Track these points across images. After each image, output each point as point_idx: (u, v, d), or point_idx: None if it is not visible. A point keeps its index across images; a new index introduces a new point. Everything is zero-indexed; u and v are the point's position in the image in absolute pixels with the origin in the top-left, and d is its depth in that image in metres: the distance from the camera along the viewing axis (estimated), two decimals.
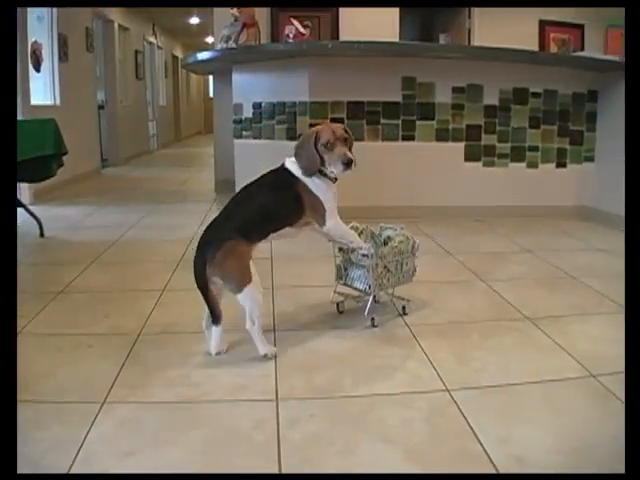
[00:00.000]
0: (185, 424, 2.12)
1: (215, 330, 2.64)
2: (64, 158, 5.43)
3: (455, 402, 2.28)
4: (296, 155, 2.86)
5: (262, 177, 2.87)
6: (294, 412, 2.21)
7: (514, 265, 4.17)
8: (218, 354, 2.70)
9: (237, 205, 2.77)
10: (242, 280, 2.59)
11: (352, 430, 2.08)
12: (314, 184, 2.83)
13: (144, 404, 2.27)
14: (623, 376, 2.47)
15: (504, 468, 1.85)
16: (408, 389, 2.39)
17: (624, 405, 2.25)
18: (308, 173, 2.82)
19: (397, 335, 2.95)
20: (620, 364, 2.59)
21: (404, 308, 3.24)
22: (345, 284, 3.24)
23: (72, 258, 4.36)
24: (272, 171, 2.89)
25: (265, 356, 2.65)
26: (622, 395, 2.31)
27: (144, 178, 9.64)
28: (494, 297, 3.53)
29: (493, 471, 1.84)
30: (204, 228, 2.72)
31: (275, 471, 1.85)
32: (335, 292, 3.28)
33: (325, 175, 2.85)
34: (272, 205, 2.77)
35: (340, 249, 3.16)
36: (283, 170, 2.86)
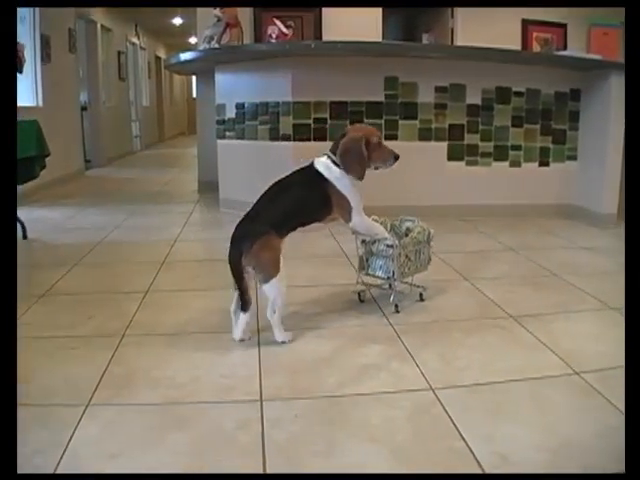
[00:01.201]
0: (170, 425, 2.12)
1: (243, 317, 2.78)
2: (47, 160, 5.41)
3: (439, 401, 2.29)
4: (344, 163, 2.99)
5: (293, 175, 3.05)
6: (278, 412, 2.21)
7: (498, 264, 4.19)
8: (242, 340, 2.84)
9: (270, 201, 2.94)
10: (272, 272, 2.76)
11: (337, 430, 2.09)
12: (342, 184, 3.00)
13: (129, 406, 2.27)
14: (607, 373, 2.50)
15: (489, 465, 1.86)
16: (392, 388, 2.39)
17: (608, 402, 2.27)
18: (360, 176, 3.01)
19: (381, 334, 2.95)
20: (603, 361, 2.62)
21: (421, 295, 3.44)
22: (367, 274, 3.41)
23: (55, 260, 4.34)
24: (302, 170, 3.06)
25: (282, 342, 2.82)
26: (606, 392, 2.33)
27: (127, 179, 9.61)
28: (478, 296, 3.54)
29: (478, 468, 1.85)
30: (238, 221, 2.89)
31: (260, 471, 1.85)
32: (357, 282, 3.45)
33: None
34: (303, 203, 2.96)
35: (363, 241, 3.34)
36: (313, 171, 3.02)
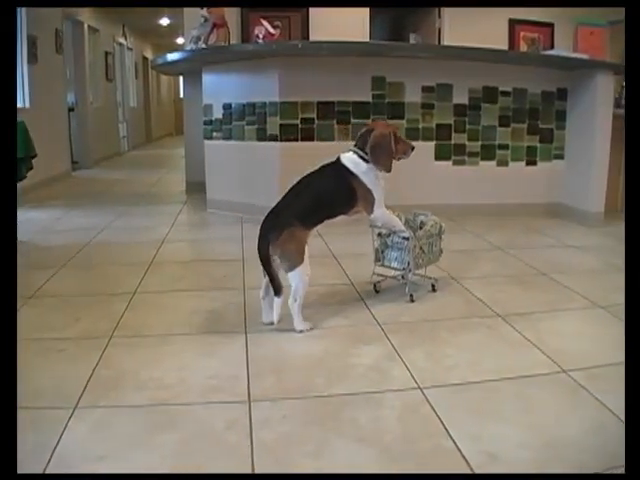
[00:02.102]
0: (157, 427, 2.12)
1: (277, 301, 2.96)
2: (34, 161, 5.38)
3: (427, 400, 2.29)
4: (374, 157, 3.18)
5: (320, 170, 3.22)
6: (267, 413, 2.21)
7: (485, 263, 4.20)
8: (271, 324, 3.02)
9: (297, 195, 3.12)
10: (296, 261, 2.95)
11: (325, 430, 2.09)
12: (368, 178, 3.19)
13: (116, 408, 2.26)
14: (594, 371, 2.52)
15: (477, 464, 1.87)
16: (381, 388, 2.40)
17: (596, 400, 2.28)
18: (388, 169, 3.22)
19: (369, 334, 2.96)
20: (591, 359, 2.64)
21: (433, 286, 3.64)
22: (383, 265, 3.58)
23: (43, 262, 4.32)
24: (329, 165, 3.23)
25: (300, 332, 2.99)
26: (593, 390, 2.35)
27: (115, 180, 9.56)
28: (466, 295, 3.55)
29: (466, 467, 1.86)
30: (267, 213, 3.04)
31: (248, 472, 1.85)
32: (374, 273, 3.60)
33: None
34: (329, 196, 3.15)
35: (379, 234, 3.53)
36: (340, 166, 3.20)
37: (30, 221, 5.84)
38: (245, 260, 4.27)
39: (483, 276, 3.90)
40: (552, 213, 5.91)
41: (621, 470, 1.80)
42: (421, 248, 3.48)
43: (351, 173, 3.17)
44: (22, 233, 5.16)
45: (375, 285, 3.60)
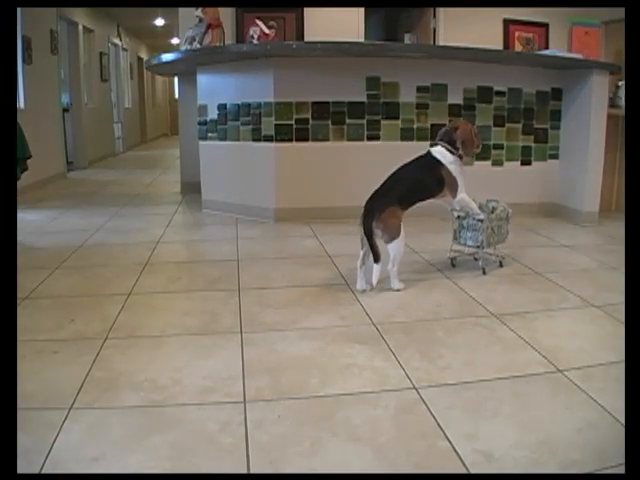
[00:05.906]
0: (152, 428, 2.11)
1: (376, 267, 3.51)
2: (29, 162, 5.37)
3: (422, 400, 2.29)
4: (465, 148, 3.78)
5: (414, 161, 3.80)
6: (261, 414, 2.20)
7: (478, 262, 4.19)
8: (363, 291, 3.58)
9: (396, 181, 3.68)
10: (395, 234, 3.54)
11: (320, 430, 2.08)
12: (454, 167, 3.76)
13: (111, 409, 2.26)
14: (589, 370, 2.52)
15: (472, 464, 1.87)
16: (375, 388, 2.40)
17: (591, 399, 2.28)
18: (471, 156, 4.16)
19: (364, 334, 2.96)
20: (586, 359, 2.64)
21: (501, 262, 4.16)
22: (459, 244, 4.13)
23: (37, 263, 4.31)
24: (421, 157, 3.83)
25: (398, 290, 3.58)
26: (589, 389, 2.35)
27: (110, 181, 9.54)
28: (459, 294, 3.55)
29: (462, 467, 1.86)
30: (369, 196, 3.60)
31: (244, 472, 1.85)
32: (451, 250, 4.16)
33: (460, 157, 3.78)
34: (423, 182, 3.73)
35: (457, 217, 4.07)
36: (431, 157, 3.79)
37: (24, 222, 5.81)
38: (240, 261, 4.27)
39: (477, 275, 3.91)
40: (547, 213, 5.92)
41: (617, 469, 1.80)
42: (492, 229, 3.99)
43: (440, 163, 3.73)
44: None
45: (452, 260, 4.16)
